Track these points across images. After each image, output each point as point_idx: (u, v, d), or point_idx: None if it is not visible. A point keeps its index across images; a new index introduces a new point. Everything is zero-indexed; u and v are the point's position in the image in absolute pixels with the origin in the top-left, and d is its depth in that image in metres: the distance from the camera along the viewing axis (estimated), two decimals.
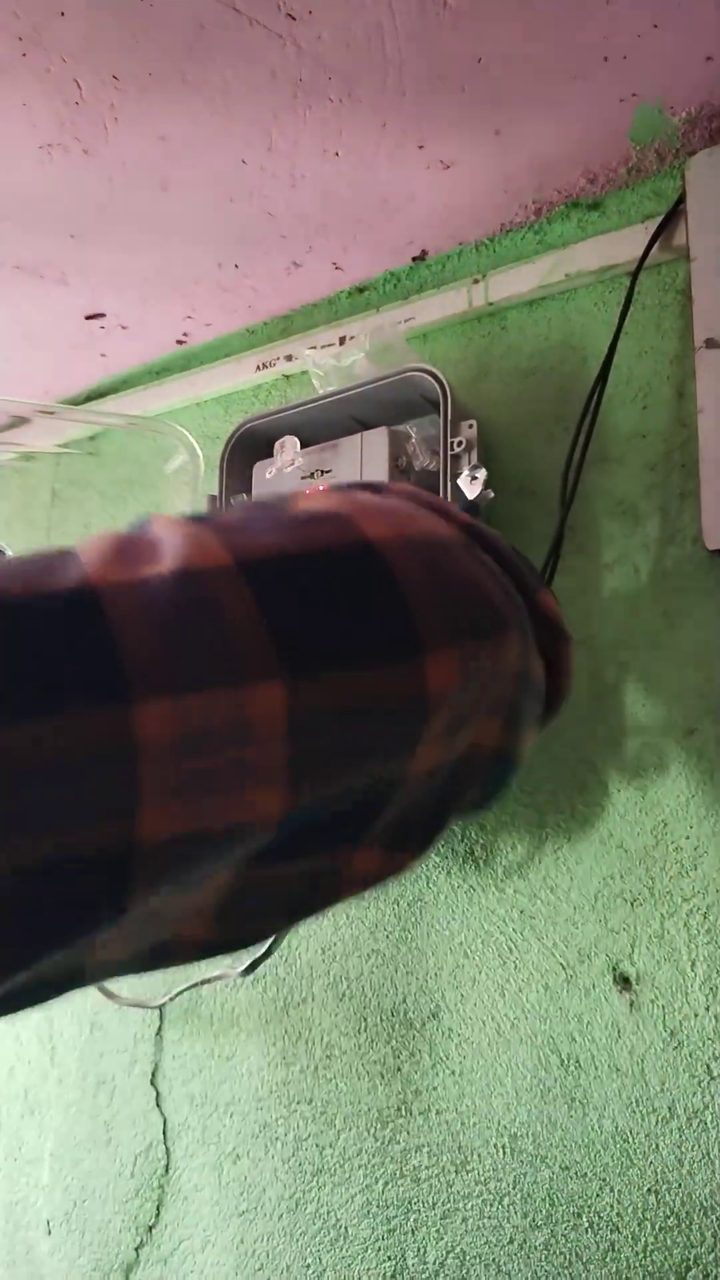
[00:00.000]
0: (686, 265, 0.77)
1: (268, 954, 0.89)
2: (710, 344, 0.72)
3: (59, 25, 0.69)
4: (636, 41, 0.71)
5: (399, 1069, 0.85)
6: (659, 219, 0.79)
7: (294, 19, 0.69)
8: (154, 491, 1.17)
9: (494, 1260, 0.78)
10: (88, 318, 1.07)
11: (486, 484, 0.77)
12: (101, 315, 1.06)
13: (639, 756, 0.77)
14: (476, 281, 0.90)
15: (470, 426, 0.79)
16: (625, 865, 0.77)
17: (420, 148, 0.81)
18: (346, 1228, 0.86)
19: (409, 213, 0.89)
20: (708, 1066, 0.71)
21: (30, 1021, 1.14)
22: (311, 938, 0.93)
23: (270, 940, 0.88)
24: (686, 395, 0.78)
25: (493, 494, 0.78)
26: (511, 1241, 0.78)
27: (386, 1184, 0.85)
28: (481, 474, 0.77)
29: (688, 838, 0.74)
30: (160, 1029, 1.03)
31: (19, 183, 0.85)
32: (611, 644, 0.80)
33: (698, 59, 0.73)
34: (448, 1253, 0.80)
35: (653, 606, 0.78)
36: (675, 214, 0.79)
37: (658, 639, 0.78)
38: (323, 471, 0.87)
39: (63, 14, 0.68)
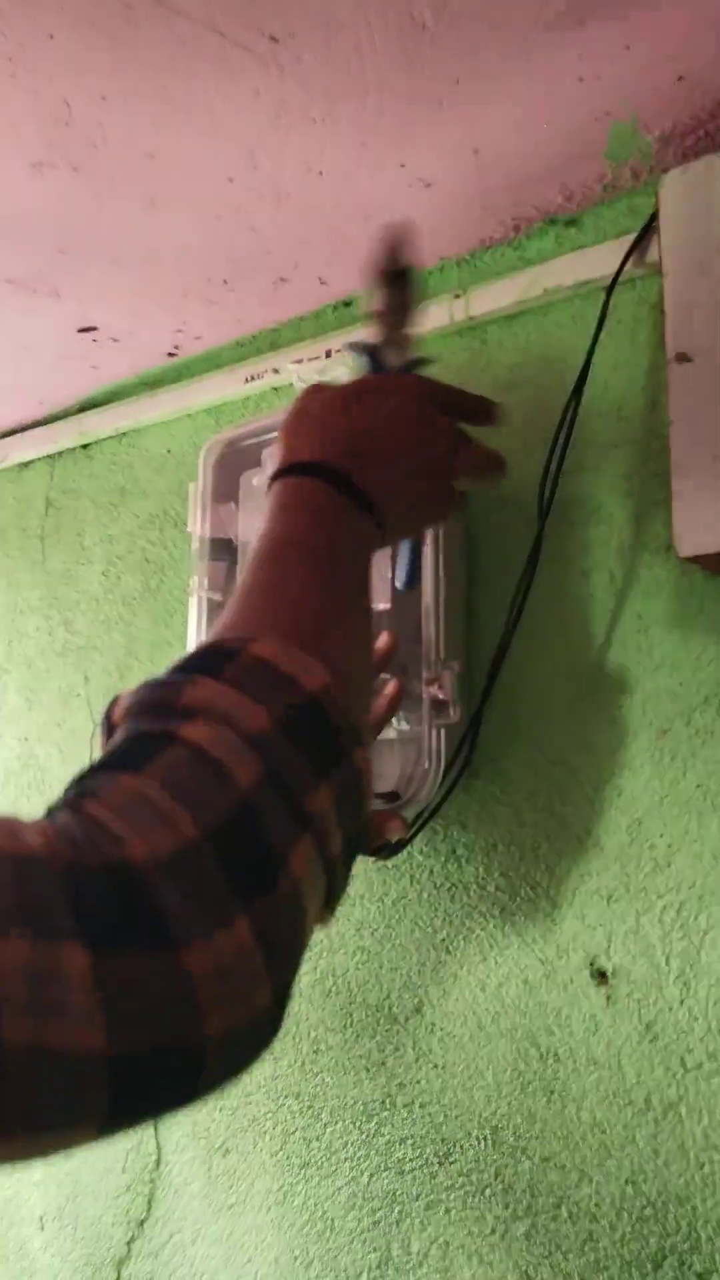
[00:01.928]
0: (660, 280, 0.79)
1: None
2: (681, 358, 0.74)
3: (47, 46, 0.71)
4: (610, 63, 0.73)
5: (384, 1063, 0.87)
6: (634, 235, 0.82)
7: (276, 41, 0.71)
8: (146, 500, 1.19)
9: (476, 1251, 0.80)
10: (79, 330, 1.09)
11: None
12: (93, 328, 1.09)
13: (614, 757, 0.79)
14: (457, 296, 0.92)
15: None
16: (601, 863, 0.79)
17: (401, 166, 0.83)
18: (333, 1220, 0.88)
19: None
20: (682, 1059, 0.73)
21: None
22: None
23: None
24: (659, 407, 0.80)
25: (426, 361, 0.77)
26: (494, 1232, 0.80)
27: (372, 1176, 0.86)
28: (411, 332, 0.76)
29: (661, 835, 0.76)
30: None
31: (10, 200, 0.87)
32: (587, 648, 0.82)
33: (670, 79, 0.75)
34: (431, 1243, 0.82)
35: (627, 612, 0.80)
36: (650, 230, 0.81)
37: (632, 643, 0.80)
38: None
39: (51, 36, 0.70)
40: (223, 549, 0.97)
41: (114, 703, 0.49)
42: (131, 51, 0.71)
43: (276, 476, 0.61)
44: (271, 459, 0.64)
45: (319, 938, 0.93)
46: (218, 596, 0.96)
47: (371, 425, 0.62)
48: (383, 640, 0.77)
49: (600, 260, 0.84)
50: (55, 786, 1.19)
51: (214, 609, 0.96)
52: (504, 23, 0.69)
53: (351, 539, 0.59)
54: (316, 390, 0.66)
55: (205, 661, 0.47)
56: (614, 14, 0.68)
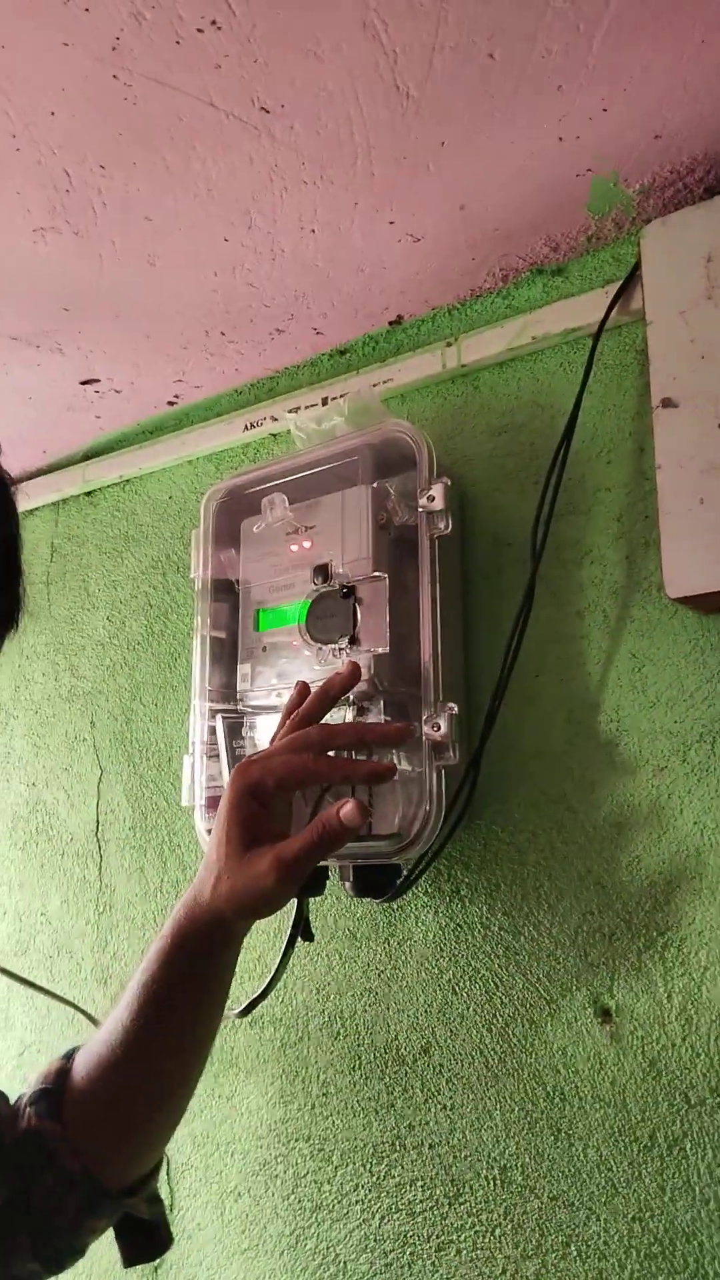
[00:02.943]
0: (644, 327, 0.81)
1: (264, 995, 0.92)
2: (666, 403, 0.76)
3: (49, 122, 0.74)
4: (588, 123, 0.76)
5: (392, 1104, 0.88)
6: (618, 284, 0.84)
7: (267, 112, 0.74)
8: (149, 545, 1.21)
9: None
10: (82, 383, 1.12)
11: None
12: (95, 380, 1.11)
13: (612, 795, 0.80)
14: (449, 344, 0.95)
15: (443, 483, 0.83)
16: (603, 900, 0.80)
17: (391, 223, 0.85)
18: (346, 1263, 0.88)
19: (383, 281, 0.94)
20: (685, 1095, 0.74)
21: (38, 1065, 1.16)
22: (306, 978, 0.96)
23: (267, 981, 0.90)
24: (647, 450, 0.82)
25: None
26: (504, 1272, 0.80)
27: (383, 1218, 0.87)
28: None
29: (660, 873, 0.77)
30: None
31: (15, 262, 0.90)
32: (584, 687, 0.83)
33: (647, 137, 0.77)
34: None
35: (621, 651, 0.82)
36: (633, 279, 0.84)
37: (627, 681, 0.81)
38: (307, 528, 0.91)
39: (52, 113, 0.73)
40: (224, 591, 0.99)
41: None
42: (129, 124, 0.74)
43: None
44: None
45: (326, 980, 0.94)
46: (221, 634, 0.98)
47: None
48: (345, 668, 0.78)
49: (586, 308, 0.86)
50: (62, 831, 1.20)
51: (216, 650, 0.97)
52: (484, 90, 0.72)
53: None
54: None
55: None
56: (590, 78, 0.71)
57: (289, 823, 0.74)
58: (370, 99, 0.72)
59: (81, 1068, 0.70)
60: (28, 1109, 0.70)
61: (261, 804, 0.70)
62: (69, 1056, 0.72)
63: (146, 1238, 0.72)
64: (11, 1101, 0.71)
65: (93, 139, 0.76)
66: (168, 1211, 0.74)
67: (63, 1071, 0.71)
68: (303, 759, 0.69)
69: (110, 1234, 0.71)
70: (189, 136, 0.75)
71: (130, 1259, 0.72)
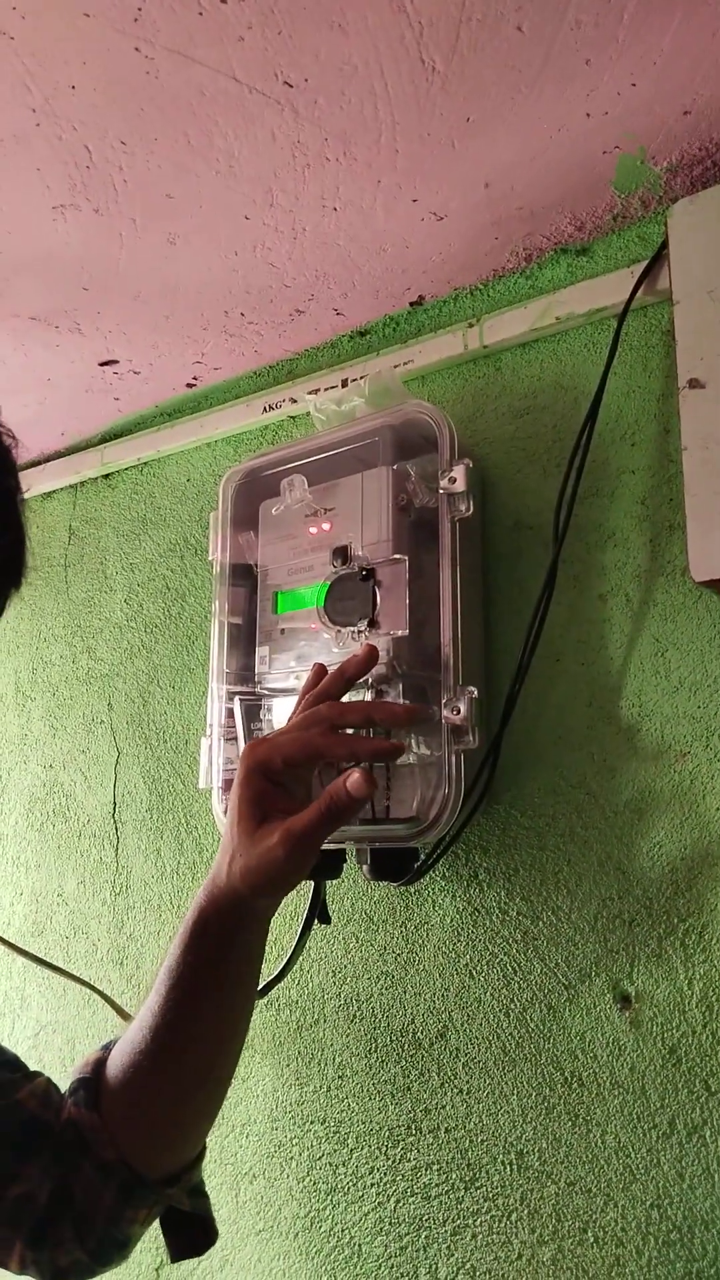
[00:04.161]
0: (670, 308, 0.80)
1: (280, 977, 0.92)
2: (693, 384, 0.75)
3: (69, 96, 0.73)
4: (616, 98, 0.75)
5: (409, 1088, 0.88)
6: (644, 263, 0.83)
7: (290, 86, 0.73)
8: (167, 528, 1.21)
9: (503, 1276, 0.80)
10: (101, 364, 1.11)
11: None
12: (114, 361, 1.11)
13: (633, 780, 0.80)
14: (471, 325, 0.94)
15: (464, 465, 0.83)
16: (623, 886, 0.79)
17: (414, 201, 0.84)
18: (360, 1245, 0.88)
19: (405, 260, 0.93)
20: (706, 1082, 0.73)
21: (53, 1044, 1.17)
22: (323, 961, 0.96)
23: (283, 963, 0.90)
24: (672, 432, 0.81)
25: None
26: (520, 1257, 0.80)
27: (398, 1201, 0.87)
28: None
29: (681, 858, 0.76)
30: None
31: (35, 240, 0.89)
32: (606, 672, 0.82)
33: (676, 113, 0.76)
34: (458, 1269, 0.82)
35: (644, 635, 0.81)
36: (659, 259, 0.82)
37: (650, 666, 0.80)
38: (326, 510, 0.91)
39: (73, 87, 0.72)
40: (243, 574, 0.99)
41: None
42: (150, 99, 0.73)
43: None
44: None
45: (343, 963, 0.94)
46: (238, 621, 0.97)
47: None
48: (362, 650, 0.78)
49: (611, 288, 0.85)
50: (79, 812, 1.20)
51: (234, 633, 0.97)
52: (511, 64, 0.71)
53: None
54: None
55: None
56: (619, 53, 0.70)
57: (307, 802, 0.74)
58: (395, 73, 0.71)
59: (116, 1057, 0.70)
60: (69, 1100, 0.70)
61: (272, 781, 0.69)
62: (107, 1047, 0.73)
63: (191, 1232, 0.72)
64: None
65: (114, 114, 0.75)
66: (211, 1206, 0.74)
67: (100, 1062, 0.72)
68: (310, 735, 0.69)
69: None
70: (211, 111, 0.75)
71: (176, 1253, 0.72)
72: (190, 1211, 0.71)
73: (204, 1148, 0.73)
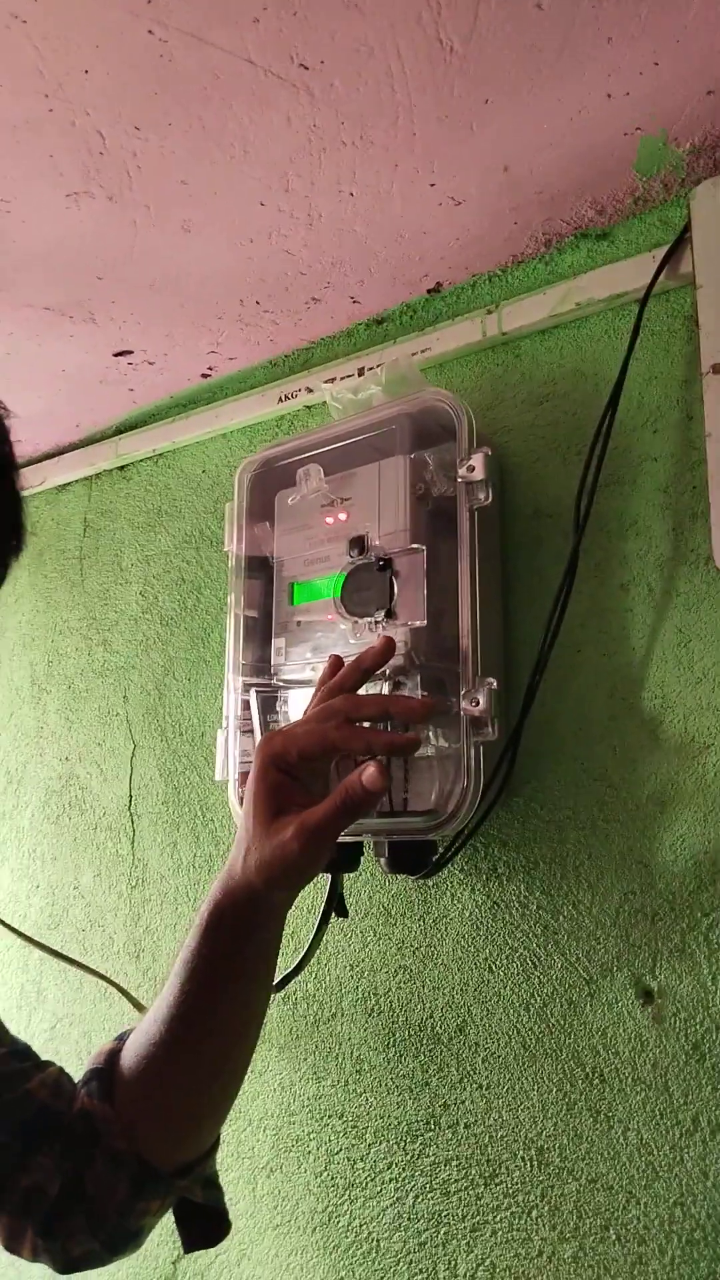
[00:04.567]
0: (693, 292, 0.79)
1: (298, 971, 0.91)
2: (717, 369, 0.74)
3: (82, 80, 0.72)
4: (638, 78, 0.73)
5: (427, 1083, 0.87)
6: (666, 248, 0.82)
7: (306, 68, 0.72)
8: (182, 520, 1.20)
9: (523, 1273, 0.79)
10: (116, 355, 1.11)
11: None
12: (129, 352, 1.10)
13: (656, 773, 0.78)
14: (490, 312, 0.92)
15: (483, 454, 0.81)
16: (645, 880, 0.78)
17: (431, 185, 0.83)
18: (379, 1241, 0.88)
19: (423, 247, 0.91)
20: None
21: (69, 1037, 1.17)
22: (340, 955, 0.95)
23: (300, 957, 0.90)
24: (695, 419, 0.80)
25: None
26: (540, 1254, 0.79)
27: (417, 1197, 0.86)
28: None
29: (705, 852, 0.75)
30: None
31: (48, 229, 0.88)
32: (627, 662, 0.81)
33: (699, 93, 0.75)
34: (478, 1265, 0.82)
35: (667, 625, 0.80)
36: (681, 242, 0.81)
37: (672, 657, 0.79)
38: (343, 499, 0.90)
39: (86, 71, 0.72)
40: (258, 566, 0.98)
41: None
42: (164, 83, 0.73)
43: None
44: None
45: (361, 957, 0.93)
46: (254, 614, 0.96)
47: None
48: (378, 642, 0.76)
49: (633, 273, 0.84)
50: (95, 805, 1.20)
51: (250, 625, 0.96)
52: (531, 44, 0.69)
53: None
54: None
55: None
56: (641, 31, 0.68)
57: (323, 795, 0.73)
58: (412, 54, 0.70)
59: (130, 1048, 0.70)
60: (81, 1090, 0.70)
61: (288, 774, 0.68)
62: (121, 1038, 0.72)
63: (205, 1223, 0.71)
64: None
65: (127, 98, 0.74)
66: (225, 1198, 0.73)
67: (114, 1052, 0.71)
68: (325, 728, 0.68)
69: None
70: (226, 95, 0.74)
71: (189, 1244, 0.72)
72: (203, 1203, 0.71)
73: (218, 1139, 0.73)
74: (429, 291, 0.99)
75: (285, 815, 0.66)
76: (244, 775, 0.93)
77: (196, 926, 0.68)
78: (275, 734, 0.70)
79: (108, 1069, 0.70)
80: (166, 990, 0.68)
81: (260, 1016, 0.71)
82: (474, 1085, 0.84)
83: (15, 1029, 0.74)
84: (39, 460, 1.37)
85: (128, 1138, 0.67)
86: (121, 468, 1.28)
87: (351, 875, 0.91)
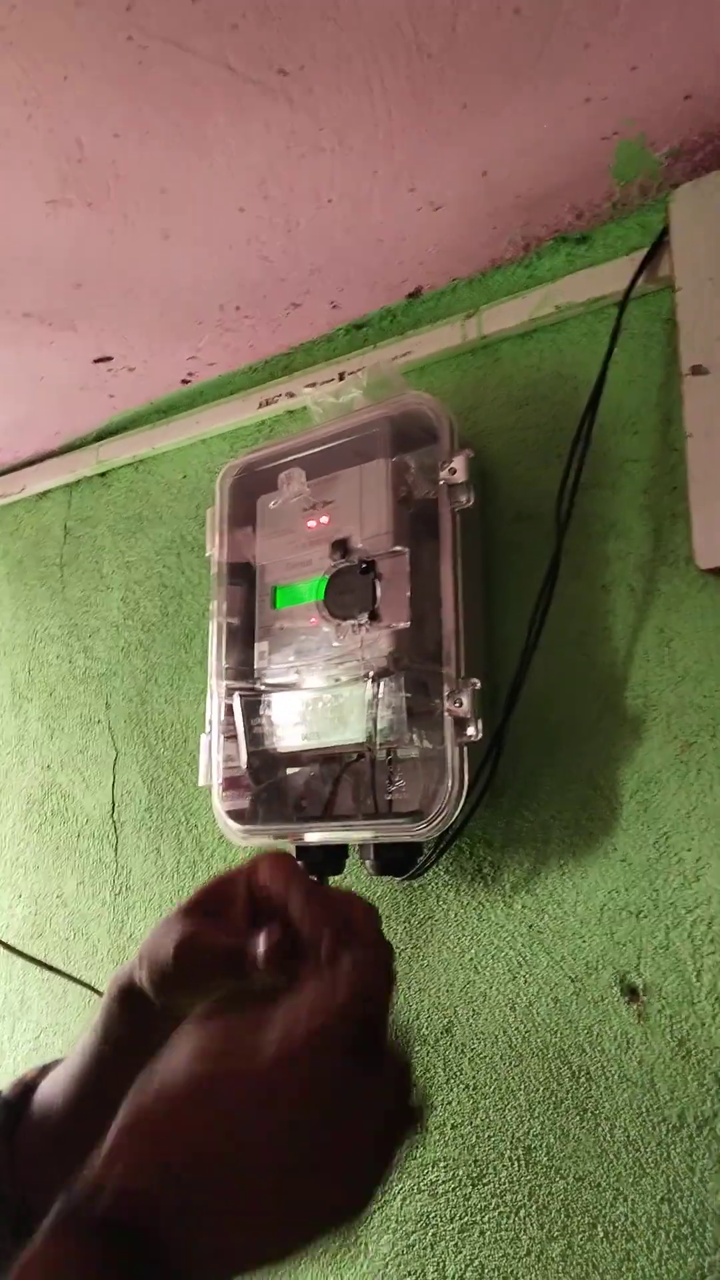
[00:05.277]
0: (672, 295, 0.79)
1: None
2: (696, 370, 0.75)
3: (61, 87, 0.72)
4: (615, 84, 0.74)
5: (414, 1085, 0.87)
6: (645, 251, 0.82)
7: (285, 74, 0.72)
8: (163, 526, 1.20)
9: (512, 1272, 0.79)
10: (95, 361, 1.10)
11: None
12: (109, 358, 1.10)
13: (639, 771, 0.79)
14: (469, 316, 0.93)
15: (465, 456, 0.82)
16: (629, 878, 0.78)
17: (411, 190, 0.84)
18: (366, 1244, 0.87)
19: (402, 252, 0.92)
20: (716, 1075, 0.72)
21: (54, 1047, 1.16)
22: None
23: None
24: (675, 420, 0.81)
25: None
26: (529, 1253, 0.79)
27: (405, 1199, 0.86)
28: None
29: (689, 850, 0.76)
30: None
31: (27, 236, 0.88)
32: (610, 662, 0.82)
33: (676, 98, 0.76)
34: (466, 1266, 0.82)
35: (649, 625, 0.80)
36: (660, 246, 0.82)
37: (654, 656, 0.80)
38: (325, 503, 0.90)
39: (65, 78, 0.72)
40: (240, 573, 0.98)
41: None
42: (144, 90, 0.73)
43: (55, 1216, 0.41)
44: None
45: None
46: (236, 621, 0.96)
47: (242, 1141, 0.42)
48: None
49: (612, 277, 0.85)
50: (78, 813, 1.19)
51: (233, 631, 0.96)
52: (508, 49, 0.70)
53: None
54: (212, 1034, 0.46)
55: None
56: (618, 36, 0.69)
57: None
58: (390, 60, 0.71)
59: (45, 1096, 0.62)
60: None
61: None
62: (45, 1069, 0.65)
63: None
64: None
65: (106, 105, 0.74)
66: None
67: (31, 1086, 0.64)
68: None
69: None
70: (205, 102, 0.74)
71: None
72: None
73: None
74: (409, 296, 0.99)
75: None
76: (228, 780, 0.93)
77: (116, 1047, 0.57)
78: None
79: (18, 1103, 0.63)
80: (82, 1061, 0.60)
81: None
82: (461, 1086, 0.85)
83: None
84: (19, 467, 1.37)
85: (15, 1183, 0.60)
86: (102, 474, 1.28)
87: (337, 878, 0.92)
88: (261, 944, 0.49)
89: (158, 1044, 0.47)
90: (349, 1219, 0.43)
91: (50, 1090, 0.63)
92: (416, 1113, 0.45)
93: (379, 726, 0.83)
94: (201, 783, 0.94)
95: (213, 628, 0.97)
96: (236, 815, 0.92)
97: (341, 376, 1.01)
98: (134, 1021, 0.57)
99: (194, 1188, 0.40)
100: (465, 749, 0.79)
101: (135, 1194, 0.40)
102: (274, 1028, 0.43)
